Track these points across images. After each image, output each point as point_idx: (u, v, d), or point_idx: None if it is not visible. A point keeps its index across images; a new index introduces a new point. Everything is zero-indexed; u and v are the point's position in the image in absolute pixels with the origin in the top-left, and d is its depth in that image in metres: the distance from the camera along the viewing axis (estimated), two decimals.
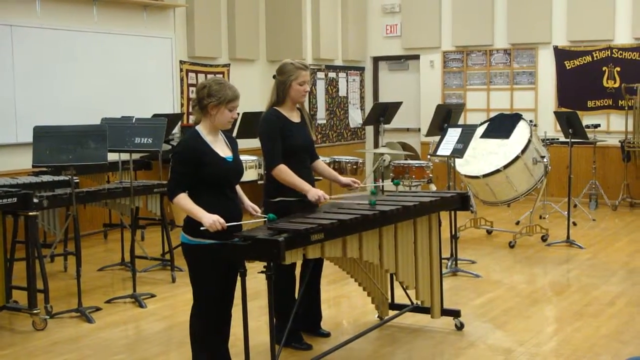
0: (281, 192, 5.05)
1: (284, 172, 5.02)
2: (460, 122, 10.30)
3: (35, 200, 6.02)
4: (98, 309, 6.32)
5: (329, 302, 6.55)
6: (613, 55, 11.29)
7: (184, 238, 4.31)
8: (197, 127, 4.35)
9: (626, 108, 11.09)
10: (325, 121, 12.30)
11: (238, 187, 4.54)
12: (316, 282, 5.48)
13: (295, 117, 5.19)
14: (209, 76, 10.99)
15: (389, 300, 5.89)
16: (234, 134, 8.24)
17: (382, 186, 8.26)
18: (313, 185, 5.14)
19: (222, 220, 4.13)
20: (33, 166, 6.23)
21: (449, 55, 12.64)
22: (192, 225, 4.24)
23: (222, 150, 4.36)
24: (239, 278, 4.22)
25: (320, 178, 5.52)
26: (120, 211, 7.41)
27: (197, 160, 4.22)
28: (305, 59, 11.46)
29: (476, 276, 7.27)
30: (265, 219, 4.42)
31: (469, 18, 12.26)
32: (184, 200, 4.22)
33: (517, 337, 5.52)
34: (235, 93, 4.31)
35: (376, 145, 12.56)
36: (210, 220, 4.11)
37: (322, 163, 5.45)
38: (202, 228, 4.12)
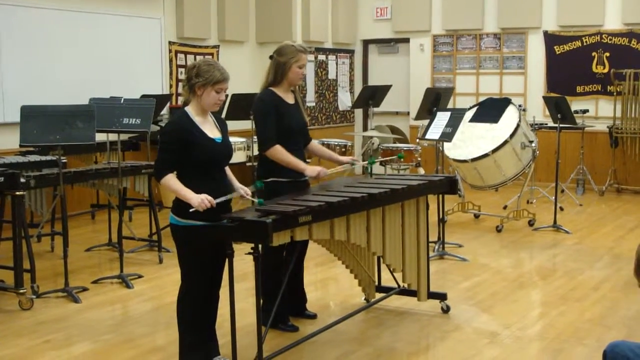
0: (273, 173, 5.06)
1: (280, 152, 5.03)
2: (450, 106, 10.30)
3: (23, 180, 6.00)
4: (85, 289, 6.31)
5: (316, 284, 6.57)
6: (603, 40, 11.31)
7: (173, 219, 4.30)
8: (186, 108, 4.34)
9: (615, 94, 11.13)
10: (314, 104, 12.28)
11: (227, 169, 4.54)
12: (300, 263, 5.50)
13: (289, 99, 5.21)
14: (198, 57, 10.93)
15: (376, 283, 5.90)
16: (223, 116, 8.22)
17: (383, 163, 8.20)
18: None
19: (210, 198, 4.13)
20: (20, 146, 6.21)
21: (439, 39, 12.63)
22: (181, 206, 4.23)
23: (211, 131, 4.35)
24: (226, 259, 4.22)
25: (309, 160, 5.53)
26: (108, 192, 7.38)
27: (185, 140, 4.21)
28: (295, 41, 11.38)
29: (463, 260, 7.30)
30: (254, 201, 4.42)
31: (459, 2, 12.24)
32: (171, 180, 4.21)
33: (502, 321, 5.55)
34: (223, 75, 4.29)
35: (365, 129, 12.57)
36: (199, 199, 4.11)
37: (316, 144, 5.49)
38: (191, 210, 4.12)
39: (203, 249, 4.26)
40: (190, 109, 4.33)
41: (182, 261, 4.36)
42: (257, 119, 5.15)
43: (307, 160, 5.49)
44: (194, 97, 4.31)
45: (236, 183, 4.56)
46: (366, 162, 5.48)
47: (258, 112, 5.15)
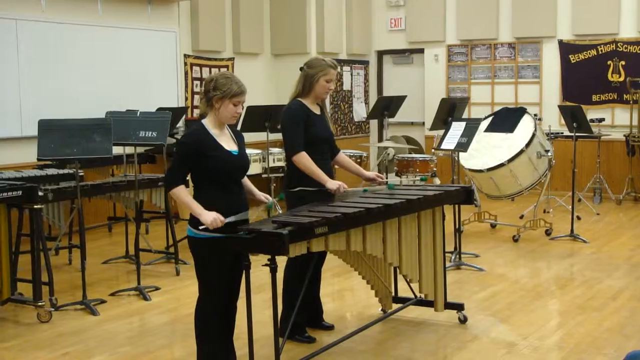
0: (301, 182, 5.13)
1: (306, 159, 5.11)
2: (465, 116, 10.29)
3: (40, 193, 6.05)
4: (102, 302, 6.34)
5: (332, 295, 6.57)
6: (618, 49, 11.27)
7: (190, 231, 4.32)
8: (203, 121, 4.36)
9: (631, 102, 11.07)
10: (329, 115, 12.27)
11: (247, 180, 4.56)
12: (317, 274, 5.50)
13: (316, 110, 5.31)
14: (213, 70, 10.99)
15: (393, 294, 5.90)
16: (238, 128, 8.24)
17: (401, 181, 8.26)
18: (332, 176, 5.24)
19: (221, 218, 4.15)
20: (38, 159, 6.27)
21: (453, 49, 12.63)
22: (198, 219, 4.25)
23: (228, 144, 4.37)
24: (245, 271, 4.23)
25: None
26: (125, 204, 7.43)
27: (201, 153, 4.23)
28: (310, 53, 11.46)
29: (480, 270, 7.28)
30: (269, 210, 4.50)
31: (474, 12, 12.24)
32: (182, 192, 4.24)
33: (520, 331, 5.53)
34: (241, 88, 4.32)
35: (380, 139, 12.57)
36: (210, 218, 4.13)
37: (345, 156, 5.59)
38: (201, 227, 4.15)
39: (220, 261, 4.27)
40: (207, 122, 4.35)
41: (200, 273, 4.37)
42: (286, 126, 5.22)
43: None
44: (211, 110, 4.34)
45: (258, 193, 4.58)
46: (385, 185, 5.49)
47: (287, 119, 5.22)
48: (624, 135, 11.09)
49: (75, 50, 9.18)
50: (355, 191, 5.32)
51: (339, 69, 5.40)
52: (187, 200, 4.23)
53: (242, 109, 4.43)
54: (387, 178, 9.02)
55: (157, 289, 6.75)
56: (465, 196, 5.76)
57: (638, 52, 11.12)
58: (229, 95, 4.28)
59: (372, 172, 5.52)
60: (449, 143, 7.38)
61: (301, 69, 5.28)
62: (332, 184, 5.08)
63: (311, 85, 5.19)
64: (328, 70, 5.18)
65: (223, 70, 10.59)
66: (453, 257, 7.44)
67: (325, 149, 5.33)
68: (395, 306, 5.86)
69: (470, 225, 9.20)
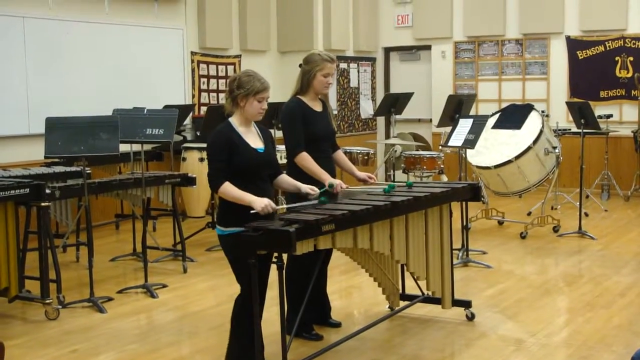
0: (303, 180, 5.08)
1: (306, 160, 5.09)
2: (472, 112, 10.27)
3: (48, 191, 6.04)
4: (110, 299, 6.35)
5: (340, 292, 6.56)
6: (626, 45, 11.23)
7: (218, 230, 4.41)
8: (230, 119, 4.46)
9: (639, 98, 11.03)
10: (336, 112, 12.28)
11: (288, 177, 4.69)
12: (323, 271, 5.49)
13: (317, 107, 5.25)
14: (220, 67, 11.01)
15: (400, 291, 5.88)
16: None
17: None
18: (334, 174, 5.21)
19: (273, 205, 4.24)
20: (45, 157, 6.27)
21: (460, 45, 12.60)
22: (223, 216, 4.34)
23: (254, 141, 4.45)
24: (250, 269, 4.22)
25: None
26: (132, 202, 7.42)
27: (230, 149, 4.31)
28: (317, 50, 11.43)
29: (487, 267, 7.26)
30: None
31: (481, 8, 12.21)
32: (230, 188, 4.29)
33: (528, 328, 5.51)
34: (264, 85, 4.41)
35: (387, 136, 12.55)
36: (262, 204, 4.21)
37: (341, 154, 5.53)
38: (252, 212, 4.19)
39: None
40: (233, 120, 4.45)
41: (235, 268, 4.42)
42: (285, 127, 5.21)
43: None
44: (237, 108, 4.44)
45: (302, 185, 4.64)
46: (384, 188, 5.42)
47: (285, 119, 5.21)
48: (632, 132, 11.05)
49: (82, 47, 9.18)
50: (356, 190, 5.27)
51: (337, 62, 5.33)
52: (236, 194, 4.28)
53: (267, 104, 4.49)
54: (394, 175, 9.05)
55: (164, 286, 6.75)
56: (473, 193, 5.75)
57: None
58: (253, 93, 4.37)
59: (364, 173, 5.45)
60: (456, 140, 7.37)
61: (300, 65, 5.24)
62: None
63: (309, 82, 5.15)
64: (324, 65, 5.12)
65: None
66: (460, 254, 7.43)
67: (326, 147, 5.30)
68: (402, 303, 5.85)
69: (478, 222, 9.18)
